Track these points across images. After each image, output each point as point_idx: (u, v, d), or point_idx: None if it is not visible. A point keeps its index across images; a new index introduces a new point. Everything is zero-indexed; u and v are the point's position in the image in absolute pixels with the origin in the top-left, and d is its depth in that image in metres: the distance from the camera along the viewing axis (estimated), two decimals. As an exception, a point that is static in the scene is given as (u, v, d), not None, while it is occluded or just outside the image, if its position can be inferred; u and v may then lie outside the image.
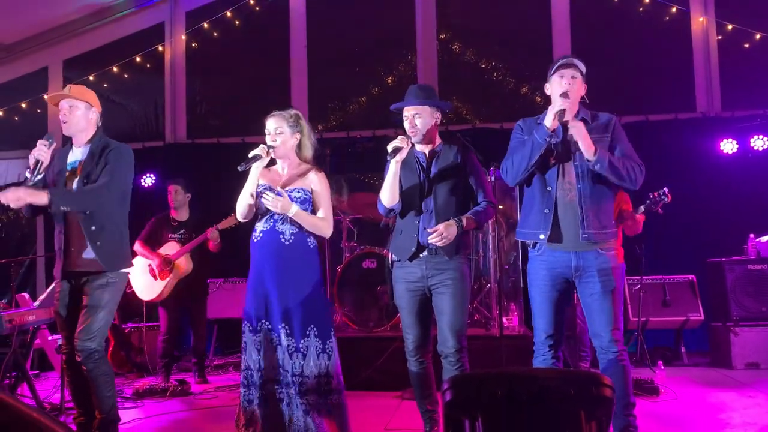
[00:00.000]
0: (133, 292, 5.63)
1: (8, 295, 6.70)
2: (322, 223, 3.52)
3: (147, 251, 5.57)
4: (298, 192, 3.49)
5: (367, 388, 5.05)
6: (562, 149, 3.16)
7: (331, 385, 3.46)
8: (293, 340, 3.41)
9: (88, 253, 3.46)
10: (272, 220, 3.49)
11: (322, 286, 3.58)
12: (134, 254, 5.60)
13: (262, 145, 3.49)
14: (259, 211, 3.54)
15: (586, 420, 1.80)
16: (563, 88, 3.10)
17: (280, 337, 3.43)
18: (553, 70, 3.20)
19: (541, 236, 3.14)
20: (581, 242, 3.08)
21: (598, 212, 3.12)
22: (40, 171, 3.39)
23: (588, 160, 3.05)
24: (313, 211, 3.54)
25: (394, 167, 3.33)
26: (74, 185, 3.48)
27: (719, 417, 4.13)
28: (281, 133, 3.52)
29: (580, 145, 3.06)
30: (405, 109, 3.44)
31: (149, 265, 5.57)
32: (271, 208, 3.41)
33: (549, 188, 3.15)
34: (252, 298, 3.52)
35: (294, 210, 3.40)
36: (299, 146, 3.62)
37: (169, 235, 5.64)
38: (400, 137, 3.32)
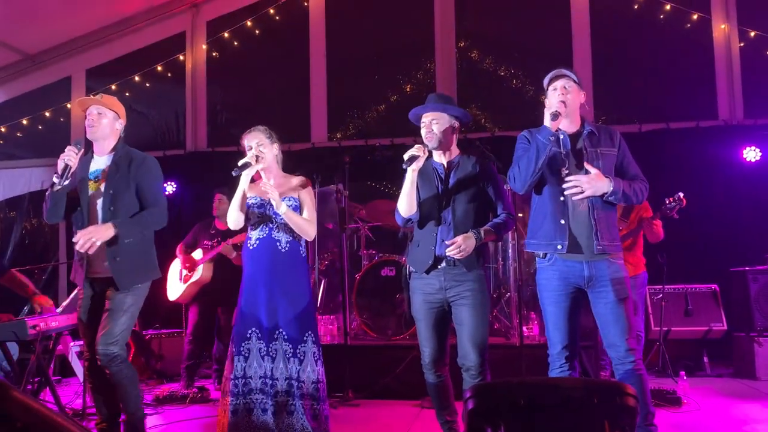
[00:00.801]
0: (158, 295, 5.70)
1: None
2: (307, 224, 3.68)
3: (180, 253, 5.71)
4: (289, 200, 3.67)
5: (386, 396, 5.05)
6: (573, 160, 3.18)
7: (323, 393, 3.59)
8: (290, 346, 3.53)
9: (110, 264, 3.48)
10: (267, 228, 3.64)
11: (312, 294, 3.72)
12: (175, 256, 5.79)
13: (250, 154, 3.64)
14: (251, 221, 3.68)
15: (611, 429, 1.78)
16: (558, 98, 3.17)
17: (277, 343, 3.53)
18: (546, 84, 3.28)
19: (559, 246, 3.13)
20: (595, 253, 3.09)
21: (608, 224, 3.15)
22: (68, 176, 3.43)
23: (605, 193, 3.09)
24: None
25: (410, 176, 3.31)
26: (100, 199, 3.51)
27: (743, 429, 4.07)
28: (262, 145, 3.70)
29: (593, 190, 3.08)
30: (423, 115, 3.43)
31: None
32: (267, 196, 3.56)
33: (562, 198, 3.15)
34: (246, 305, 3.62)
35: (284, 209, 3.56)
36: (277, 156, 3.82)
37: (204, 242, 5.71)
38: (416, 146, 3.30)
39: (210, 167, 7.66)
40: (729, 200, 6.56)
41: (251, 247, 3.66)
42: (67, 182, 3.45)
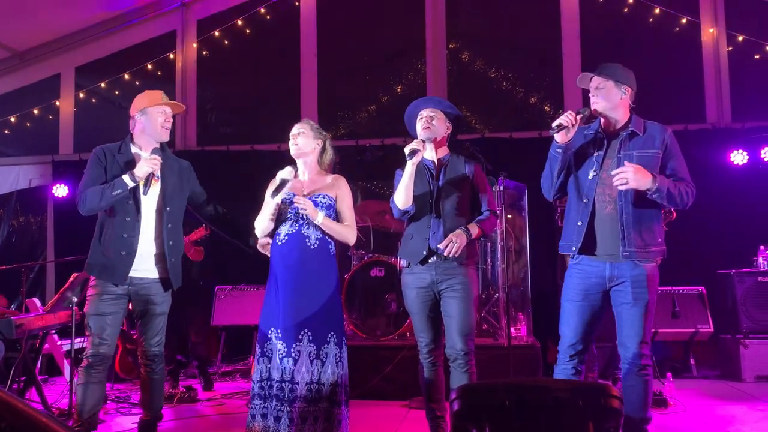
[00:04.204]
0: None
1: (18, 300, 6.75)
2: (347, 231, 3.56)
3: None
4: (323, 198, 3.53)
5: (374, 396, 5.04)
6: (603, 163, 3.15)
7: (341, 396, 3.45)
8: (314, 347, 3.39)
9: (162, 264, 3.55)
10: (297, 224, 3.49)
11: (340, 293, 3.61)
12: None
13: (287, 169, 3.49)
14: (282, 217, 3.53)
15: (595, 431, 1.79)
16: (591, 105, 3.20)
17: (301, 344, 3.38)
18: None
19: (573, 248, 3.16)
20: (621, 258, 3.07)
21: (640, 229, 3.09)
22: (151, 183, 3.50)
23: (648, 189, 3.01)
24: (336, 217, 3.57)
25: (410, 169, 3.38)
26: (153, 197, 3.55)
27: (728, 430, 4.11)
28: (302, 134, 3.60)
29: (637, 183, 2.98)
30: (423, 109, 3.55)
31: None
32: (301, 211, 3.43)
33: (585, 200, 3.16)
34: (270, 304, 3.49)
35: (320, 218, 3.43)
36: (322, 154, 3.69)
37: None
38: (416, 140, 3.42)
39: (199, 166, 7.55)
40: (716, 203, 6.59)
41: (279, 243, 3.49)
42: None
